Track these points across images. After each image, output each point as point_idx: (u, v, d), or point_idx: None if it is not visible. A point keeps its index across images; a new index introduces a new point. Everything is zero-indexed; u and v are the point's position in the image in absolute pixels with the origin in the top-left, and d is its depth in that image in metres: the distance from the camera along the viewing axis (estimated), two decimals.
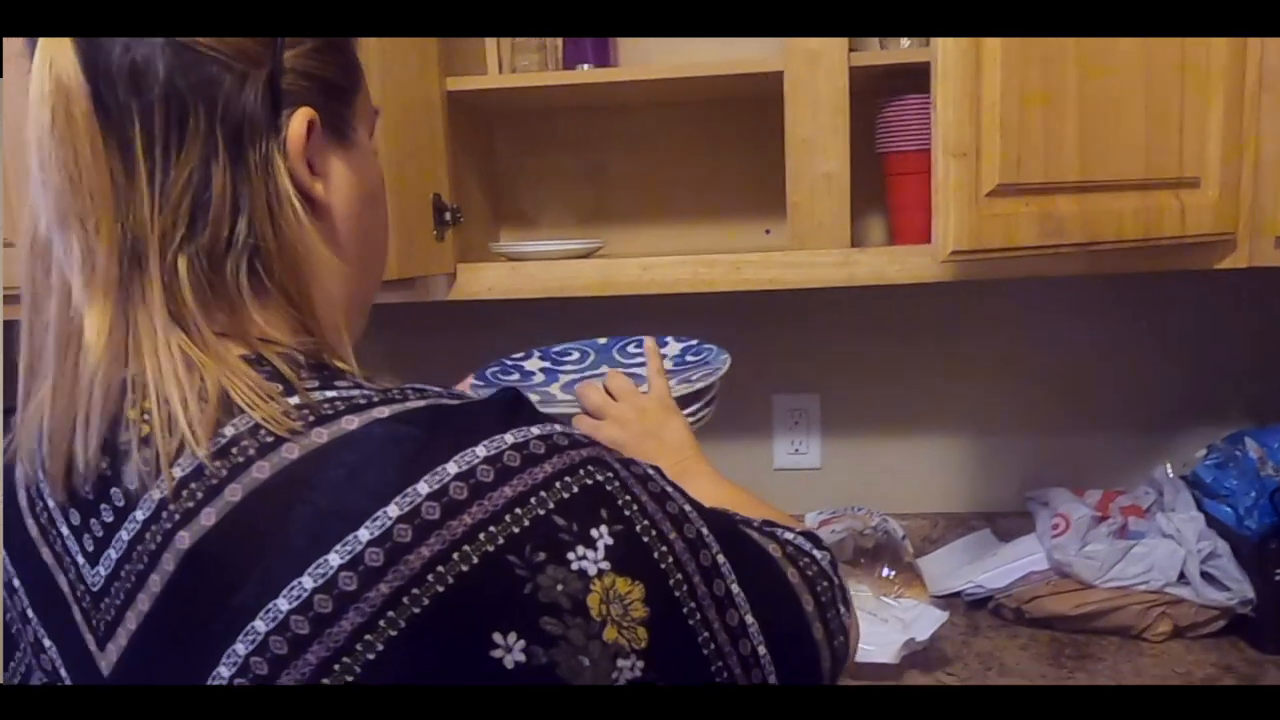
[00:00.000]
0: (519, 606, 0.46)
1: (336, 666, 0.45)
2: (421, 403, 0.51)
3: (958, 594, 1.34)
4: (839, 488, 1.52)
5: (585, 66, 1.30)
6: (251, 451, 0.48)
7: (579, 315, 1.50)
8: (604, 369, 1.05)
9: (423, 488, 0.47)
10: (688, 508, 0.55)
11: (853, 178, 1.18)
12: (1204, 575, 1.20)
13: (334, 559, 0.45)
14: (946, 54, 0.91)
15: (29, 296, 0.54)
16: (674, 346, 1.11)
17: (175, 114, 0.50)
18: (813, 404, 1.52)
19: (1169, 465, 1.37)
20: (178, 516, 0.48)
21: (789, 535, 0.63)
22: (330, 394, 0.51)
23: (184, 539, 0.47)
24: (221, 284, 0.52)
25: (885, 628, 1.17)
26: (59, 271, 0.52)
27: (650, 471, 0.55)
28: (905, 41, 1.23)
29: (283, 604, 0.46)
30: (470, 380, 1.02)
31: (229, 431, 0.49)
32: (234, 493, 0.47)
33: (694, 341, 1.11)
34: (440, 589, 0.46)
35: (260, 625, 0.46)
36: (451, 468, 0.47)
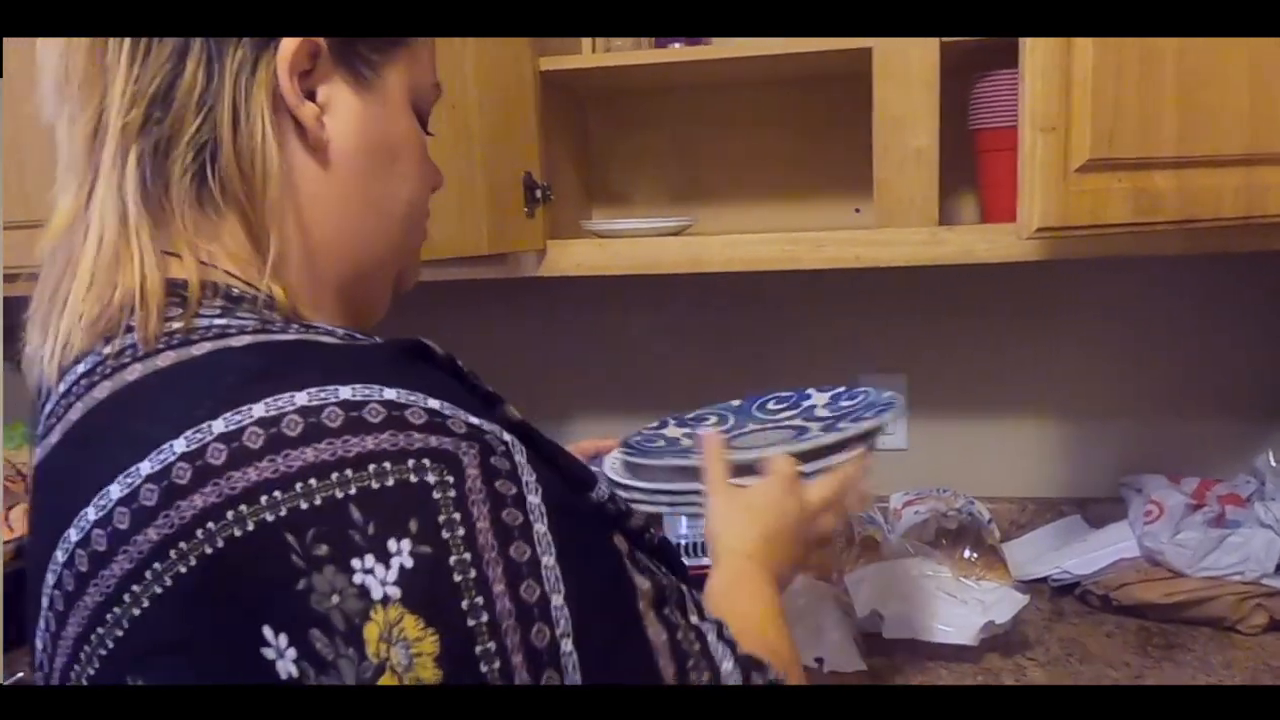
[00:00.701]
0: (290, 603, 0.38)
1: (108, 617, 0.40)
2: (292, 337, 0.46)
3: (1044, 579, 1.32)
4: (925, 470, 1.51)
5: (677, 45, 1.31)
6: (107, 370, 0.45)
7: (667, 293, 1.53)
8: (750, 427, 0.96)
9: (217, 425, 0.40)
10: (551, 563, 0.41)
11: (944, 155, 1.17)
12: None
13: (115, 490, 0.41)
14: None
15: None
16: (820, 397, 0.99)
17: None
18: (900, 384, 1.51)
19: (1271, 454, 1.32)
20: (43, 432, 0.47)
21: (728, 662, 0.47)
22: (218, 321, 0.46)
23: (39, 455, 0.47)
24: (165, 182, 0.49)
25: (965, 609, 1.16)
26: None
27: (537, 502, 0.42)
28: None
29: (72, 535, 0.42)
30: (618, 450, 0.91)
31: (107, 349, 0.46)
32: (75, 411, 0.45)
33: (841, 388, 1.00)
34: (208, 550, 0.39)
35: (59, 556, 0.43)
36: (258, 410, 0.40)
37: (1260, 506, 1.22)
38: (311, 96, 0.52)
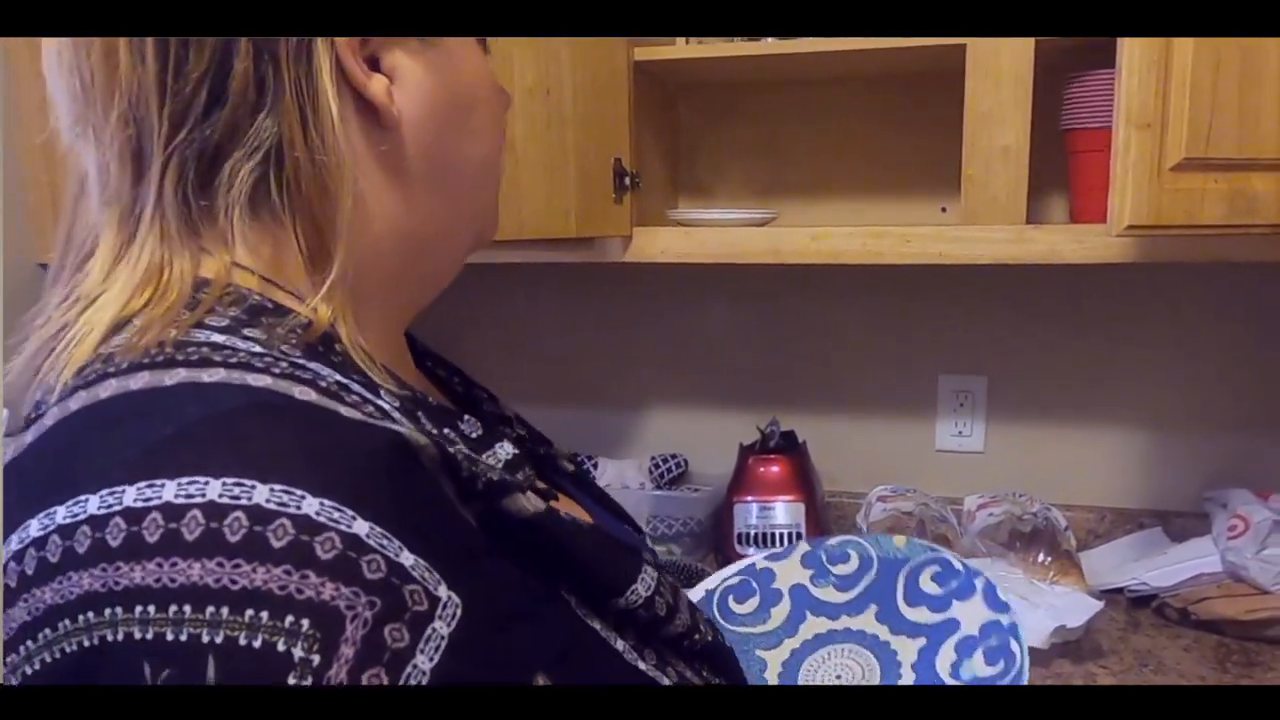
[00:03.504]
0: None
1: (10, 657, 0.35)
2: (261, 384, 0.38)
3: (1120, 590, 1.30)
4: (1001, 474, 1.49)
5: (769, 39, 1.33)
6: (90, 377, 0.39)
7: (749, 285, 1.54)
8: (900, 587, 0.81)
9: (128, 495, 0.34)
10: None
11: (1034, 155, 1.16)
12: None
13: (34, 527, 0.35)
14: None
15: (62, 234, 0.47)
16: (974, 608, 0.78)
17: None
18: (979, 386, 1.50)
19: None
20: (23, 425, 0.41)
21: None
22: (216, 338, 0.41)
23: (10, 449, 0.40)
24: (213, 193, 0.43)
25: (1036, 613, 1.15)
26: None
27: (425, 670, 0.35)
28: None
29: (13, 542, 0.36)
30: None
31: (101, 349, 0.41)
32: (50, 416, 0.39)
33: (1004, 620, 0.76)
34: (71, 646, 0.34)
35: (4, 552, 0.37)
36: (169, 490, 0.34)
37: None
38: (375, 66, 0.46)
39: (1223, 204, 0.94)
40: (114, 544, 0.33)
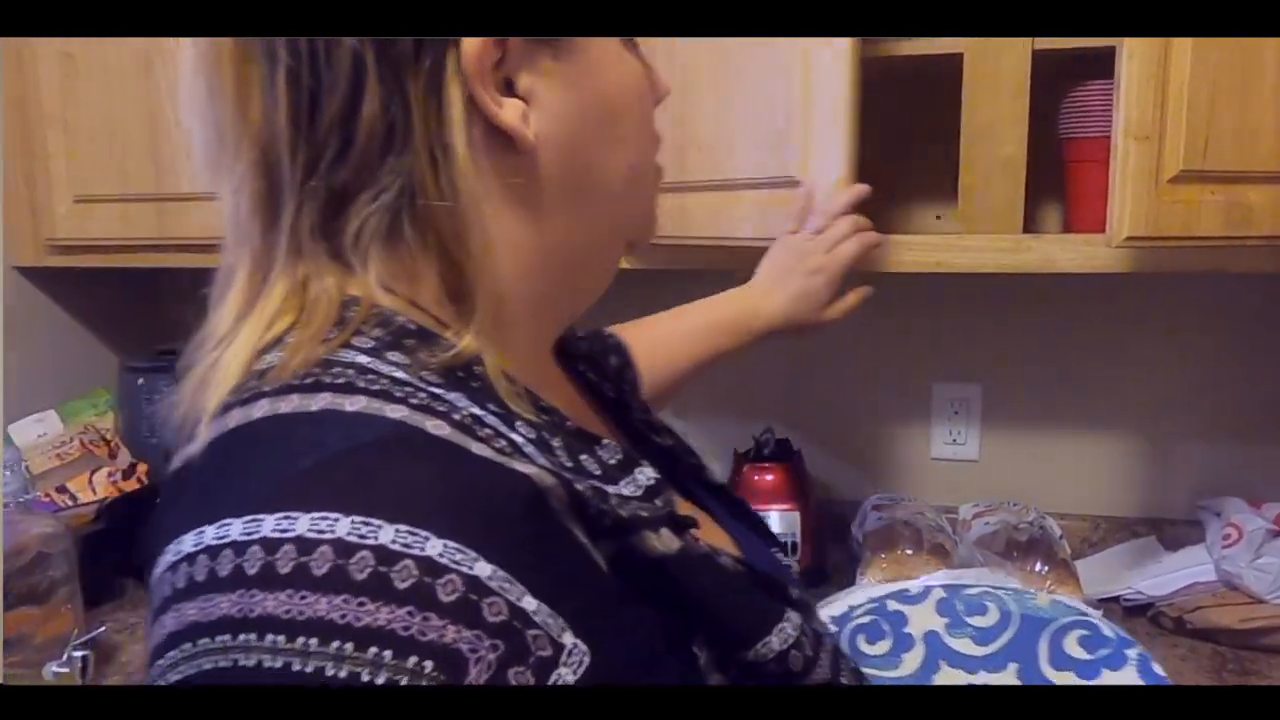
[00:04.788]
0: None
1: (153, 667, 0.37)
2: (397, 417, 0.38)
3: (1115, 599, 1.30)
4: (997, 482, 1.50)
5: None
6: (246, 394, 0.40)
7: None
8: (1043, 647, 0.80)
9: (266, 525, 0.35)
10: None
11: (1031, 164, 1.16)
12: None
13: (188, 542, 0.37)
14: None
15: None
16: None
17: (322, 49, 0.42)
18: (974, 394, 1.50)
19: None
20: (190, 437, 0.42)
21: None
22: (360, 359, 0.41)
23: (177, 458, 0.41)
24: (347, 231, 0.43)
25: None
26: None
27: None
28: None
29: (168, 556, 0.37)
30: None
31: (257, 366, 0.42)
32: (212, 429, 0.40)
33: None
34: (208, 665, 0.35)
35: (159, 564, 0.39)
36: (302, 524, 0.35)
37: None
38: (510, 88, 0.45)
39: (1219, 216, 0.95)
40: (251, 572, 0.34)
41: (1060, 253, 1.15)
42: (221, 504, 0.36)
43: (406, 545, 0.34)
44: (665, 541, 0.41)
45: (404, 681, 0.33)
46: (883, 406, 1.54)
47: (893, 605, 0.80)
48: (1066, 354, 1.45)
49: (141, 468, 1.52)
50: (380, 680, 0.33)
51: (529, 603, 0.35)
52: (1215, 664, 1.15)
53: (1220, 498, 1.34)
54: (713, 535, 0.53)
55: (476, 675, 0.33)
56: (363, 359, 0.41)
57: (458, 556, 0.34)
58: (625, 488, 0.44)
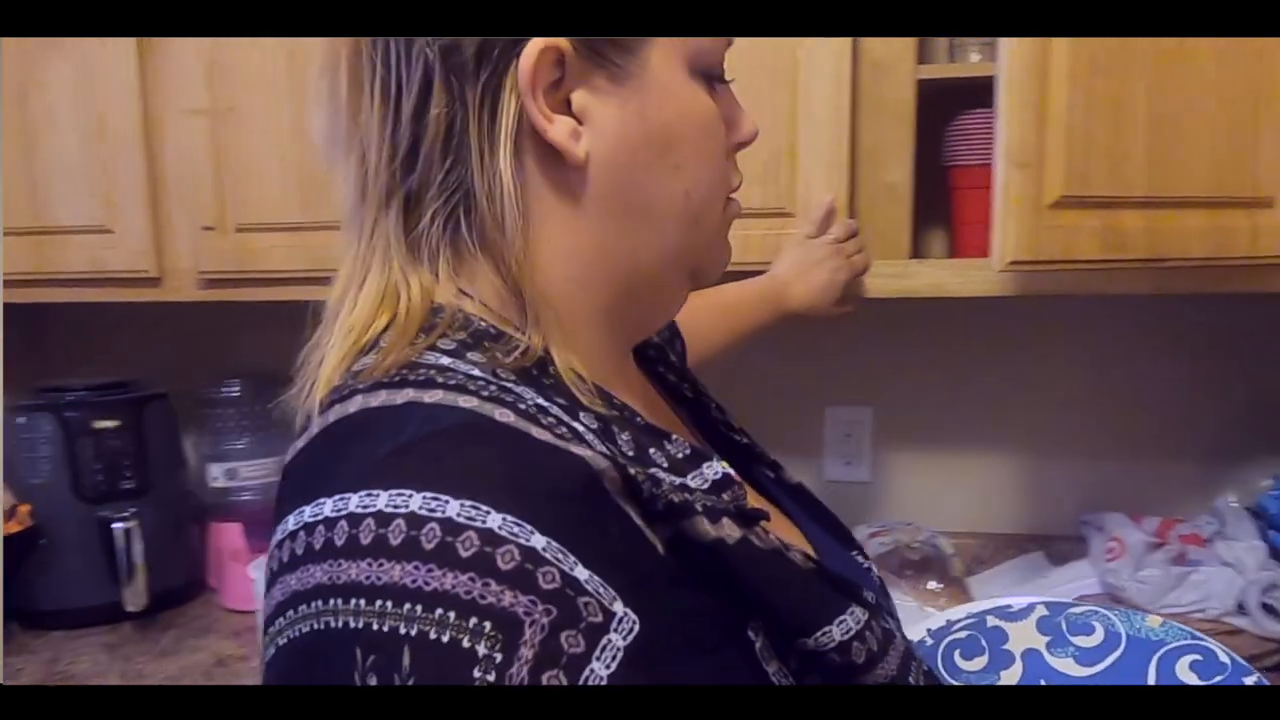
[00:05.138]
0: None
1: (264, 634, 0.42)
2: (469, 405, 0.42)
3: None
4: (889, 503, 1.51)
5: None
6: (344, 392, 0.45)
7: None
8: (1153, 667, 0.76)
9: (353, 502, 0.39)
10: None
11: (918, 190, 1.18)
12: (1264, 606, 1.17)
13: (291, 522, 0.41)
14: (1013, 62, 0.92)
15: None
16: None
17: (411, 47, 0.47)
18: (866, 417, 1.51)
19: (1232, 495, 1.34)
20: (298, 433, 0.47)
21: None
22: (443, 361, 0.45)
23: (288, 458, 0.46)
24: (420, 232, 0.48)
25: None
26: None
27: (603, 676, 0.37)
28: (974, 55, 1.23)
29: (276, 535, 0.43)
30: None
31: (355, 366, 0.47)
32: (315, 425, 0.45)
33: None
34: (272, 648, 0.40)
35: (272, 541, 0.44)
36: (380, 500, 0.39)
37: (1222, 545, 1.23)
38: (568, 106, 0.48)
39: (1096, 240, 0.97)
40: (339, 543, 0.38)
41: (947, 277, 1.17)
42: (318, 487, 0.41)
43: (470, 518, 0.38)
44: (726, 530, 0.43)
45: (465, 641, 0.36)
46: (775, 430, 1.54)
47: (992, 621, 0.77)
48: (954, 376, 1.48)
49: (23, 509, 1.40)
50: (445, 638, 0.36)
51: (581, 572, 0.38)
52: None
53: (1103, 513, 1.38)
54: (784, 531, 0.56)
55: (531, 636, 0.37)
56: (445, 360, 0.45)
57: (515, 529, 0.38)
58: (693, 480, 0.47)
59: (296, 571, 0.39)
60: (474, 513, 0.38)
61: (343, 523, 0.39)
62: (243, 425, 1.54)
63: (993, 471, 1.49)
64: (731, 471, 0.48)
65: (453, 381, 0.43)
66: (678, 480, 0.46)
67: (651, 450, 0.47)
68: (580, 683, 0.37)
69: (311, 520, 0.40)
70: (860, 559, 0.64)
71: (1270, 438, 1.40)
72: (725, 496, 0.47)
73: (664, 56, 0.49)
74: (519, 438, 0.41)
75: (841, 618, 0.45)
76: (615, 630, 0.38)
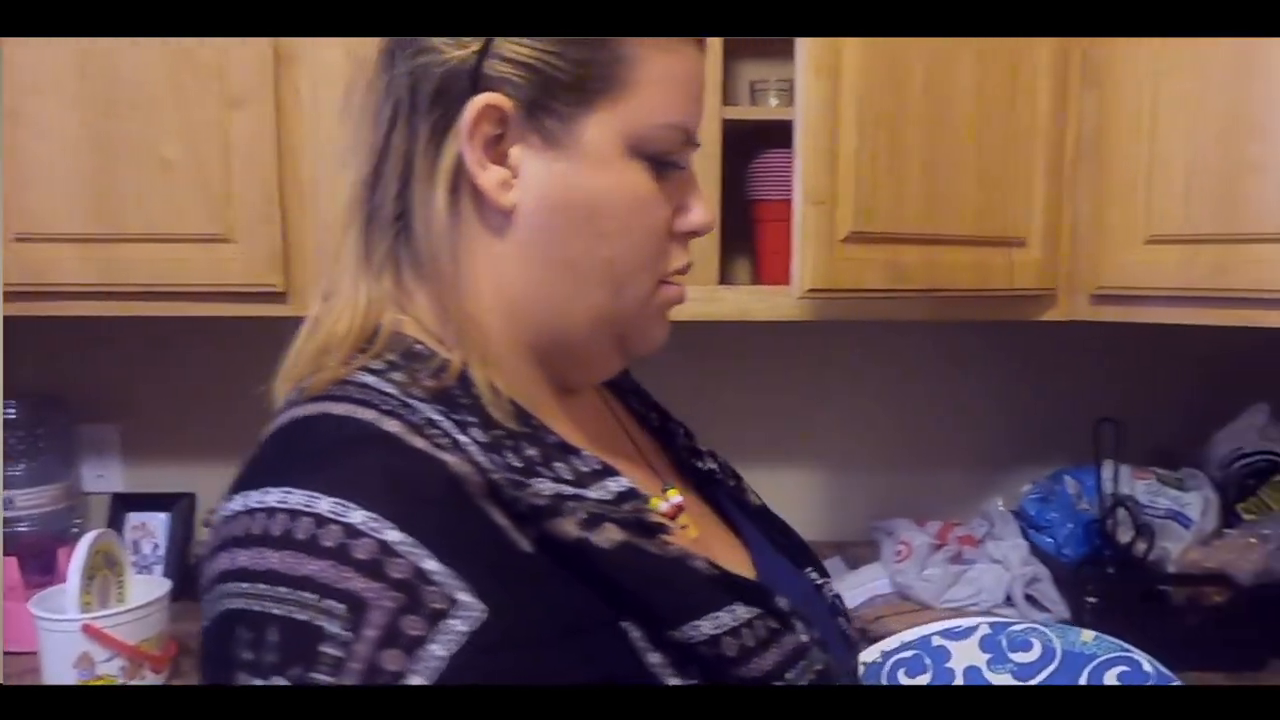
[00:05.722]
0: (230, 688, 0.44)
1: None
2: (365, 418, 0.47)
3: None
4: None
5: None
6: (285, 407, 0.51)
7: None
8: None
9: (252, 498, 0.46)
10: None
11: (724, 222, 1.27)
12: (1027, 597, 1.32)
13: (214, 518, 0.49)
14: (808, 112, 1.01)
15: None
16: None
17: (393, 87, 0.53)
18: None
19: (999, 500, 1.50)
20: None
21: None
22: (368, 379, 0.50)
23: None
24: (376, 252, 0.54)
25: None
26: None
27: (440, 659, 0.42)
28: (773, 99, 1.34)
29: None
30: None
31: (302, 385, 0.52)
32: (271, 427, 0.50)
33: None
34: (205, 620, 0.47)
35: None
36: (273, 496, 0.45)
37: (991, 545, 1.38)
38: (506, 158, 0.53)
39: (882, 271, 1.08)
40: (238, 533, 0.45)
41: (751, 303, 1.26)
42: (240, 483, 0.47)
43: (337, 514, 0.43)
44: (607, 533, 0.48)
45: (321, 621, 0.42)
46: None
47: (938, 641, 0.80)
48: (757, 394, 1.58)
49: None
50: (303, 617, 0.42)
51: (431, 565, 0.43)
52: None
53: (892, 519, 1.51)
54: (719, 544, 0.62)
55: (376, 619, 0.42)
56: (369, 379, 0.50)
57: (374, 525, 0.43)
58: (594, 490, 0.51)
59: (220, 553, 0.46)
60: (341, 509, 0.44)
61: (243, 516, 0.45)
62: (19, 450, 1.43)
63: (792, 483, 1.60)
64: (636, 486, 0.53)
65: (361, 398, 0.49)
66: (571, 490, 0.50)
67: (556, 463, 0.51)
68: (417, 661, 0.42)
69: (229, 512, 0.46)
70: (814, 575, 0.69)
71: (1029, 447, 1.58)
72: (626, 507, 0.51)
73: (601, 131, 0.52)
74: (397, 446, 0.46)
75: (716, 614, 0.49)
76: (457, 617, 0.43)
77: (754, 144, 1.33)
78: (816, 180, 1.02)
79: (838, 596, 0.70)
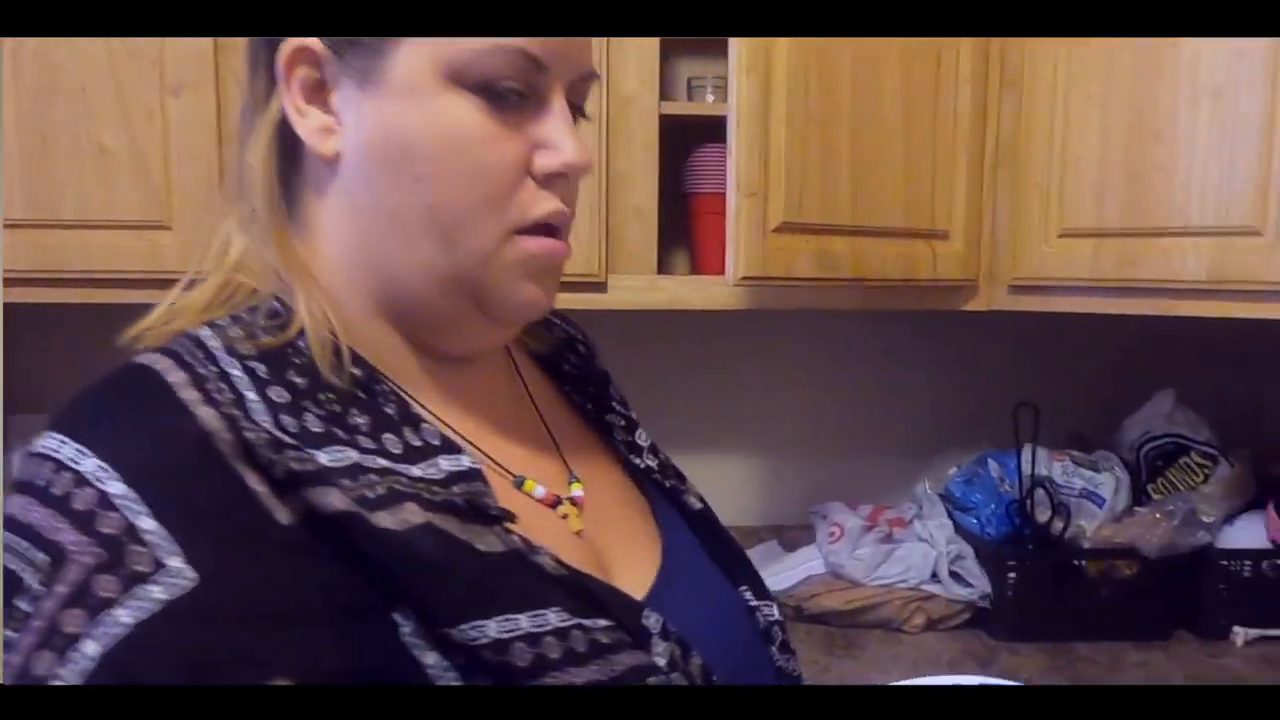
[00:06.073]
0: None
1: None
2: (148, 363, 0.45)
3: None
4: None
5: None
6: (137, 348, 0.49)
7: None
8: None
9: (36, 444, 0.44)
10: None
11: (662, 213, 1.30)
12: (952, 574, 1.38)
13: None
14: (740, 108, 1.05)
15: None
16: None
17: (248, 56, 0.52)
18: None
19: (927, 483, 1.56)
20: None
21: None
22: (191, 330, 0.48)
23: None
24: (241, 215, 0.52)
25: None
26: None
27: (123, 626, 0.39)
28: (709, 95, 1.38)
29: None
30: None
31: (142, 330, 0.51)
32: None
33: None
34: None
35: None
36: (47, 443, 0.43)
37: (919, 525, 1.44)
38: (325, 108, 0.50)
39: (812, 261, 1.13)
40: (20, 478, 0.43)
41: (688, 292, 1.30)
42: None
43: (73, 460, 0.41)
44: (406, 514, 0.44)
45: (26, 574, 0.40)
46: None
47: None
48: (696, 383, 1.62)
49: None
50: (13, 566, 0.40)
51: (147, 523, 0.40)
52: (826, 642, 1.33)
53: (825, 503, 1.56)
54: (616, 546, 0.56)
55: (69, 575, 0.40)
56: (205, 332, 0.48)
57: (101, 475, 0.41)
58: (421, 468, 0.47)
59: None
60: (79, 456, 0.41)
61: (20, 462, 0.44)
62: None
63: (730, 470, 1.65)
64: (480, 468, 0.49)
65: (175, 349, 0.46)
66: (383, 463, 0.46)
67: (386, 434, 0.48)
68: (98, 624, 0.38)
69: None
70: (748, 594, 0.64)
71: (954, 433, 1.65)
72: (456, 489, 0.47)
73: (411, 61, 0.48)
74: (165, 399, 0.43)
75: (513, 616, 0.44)
76: (157, 582, 0.39)
77: (692, 139, 1.37)
78: (749, 173, 1.06)
79: (778, 624, 0.64)
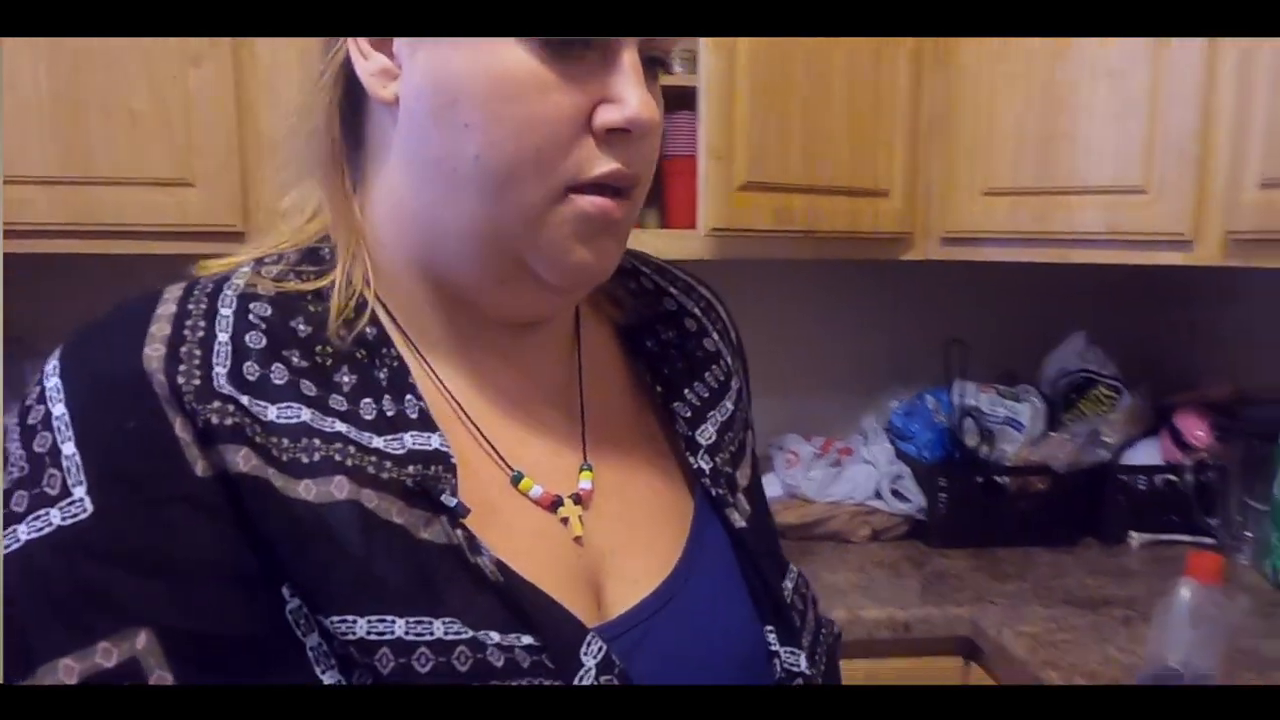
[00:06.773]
0: None
1: None
2: (165, 292, 0.46)
3: None
4: None
5: None
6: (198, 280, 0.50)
7: None
8: None
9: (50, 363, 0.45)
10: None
11: None
12: (893, 492, 1.57)
13: None
14: (708, 81, 1.22)
15: None
16: None
17: None
18: None
19: (873, 416, 1.75)
20: None
21: None
22: (247, 269, 0.49)
23: None
24: (312, 166, 0.52)
25: None
26: None
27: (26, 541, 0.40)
28: (678, 67, 1.53)
29: None
30: None
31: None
32: None
33: None
34: None
35: None
36: (50, 363, 0.44)
37: (864, 450, 1.63)
38: (390, 50, 0.48)
39: (772, 214, 1.30)
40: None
41: (661, 244, 1.46)
42: None
43: (47, 376, 0.43)
44: (326, 485, 0.42)
45: None
46: None
47: None
48: None
49: None
50: None
51: (68, 448, 0.41)
52: (784, 552, 1.52)
53: (783, 435, 1.74)
54: (620, 553, 0.52)
55: (5, 483, 0.41)
56: (244, 268, 0.49)
57: (54, 395, 0.42)
58: (384, 441, 0.45)
59: None
60: (51, 373, 0.43)
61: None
62: None
63: None
64: (446, 451, 0.46)
65: (198, 278, 0.48)
66: (339, 427, 0.44)
67: (365, 398, 0.46)
68: (5, 537, 0.40)
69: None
70: (771, 638, 0.55)
71: (896, 371, 1.83)
72: (410, 469, 0.44)
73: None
74: (136, 328, 0.43)
75: (388, 618, 0.42)
76: (59, 508, 0.40)
77: (666, 106, 1.52)
78: (716, 138, 1.23)
79: (801, 675, 0.55)
